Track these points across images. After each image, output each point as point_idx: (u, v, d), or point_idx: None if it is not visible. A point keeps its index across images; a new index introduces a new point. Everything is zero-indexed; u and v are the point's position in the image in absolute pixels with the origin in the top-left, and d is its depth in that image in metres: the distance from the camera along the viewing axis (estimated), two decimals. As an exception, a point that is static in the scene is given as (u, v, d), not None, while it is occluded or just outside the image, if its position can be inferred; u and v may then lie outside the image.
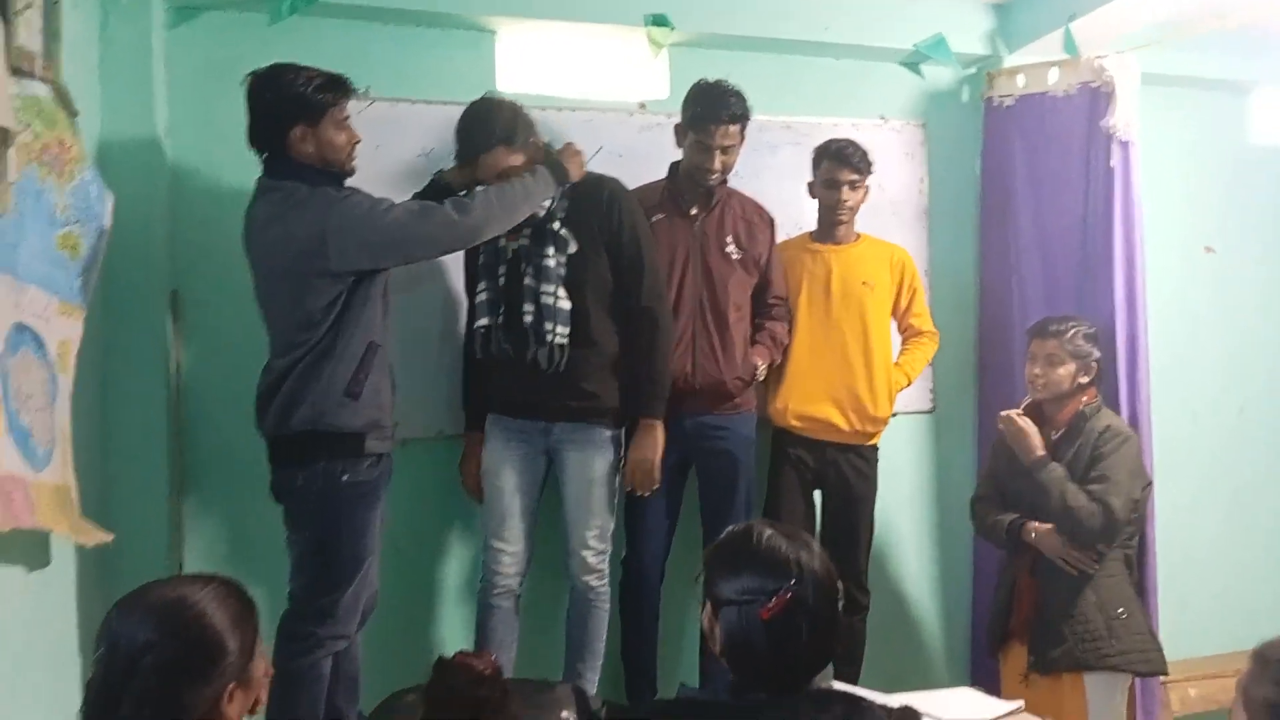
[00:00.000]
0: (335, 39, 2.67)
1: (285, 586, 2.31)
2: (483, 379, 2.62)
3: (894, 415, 2.98)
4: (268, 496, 2.33)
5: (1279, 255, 3.59)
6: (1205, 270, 3.52)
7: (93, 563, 2.18)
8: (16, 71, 1.84)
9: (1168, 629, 2.80)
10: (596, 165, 2.69)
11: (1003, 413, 2.73)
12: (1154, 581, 2.91)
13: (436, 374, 2.76)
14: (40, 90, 1.96)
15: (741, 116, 2.65)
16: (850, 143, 2.86)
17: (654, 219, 2.71)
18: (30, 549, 1.96)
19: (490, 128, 2.42)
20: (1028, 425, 2.69)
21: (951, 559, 3.28)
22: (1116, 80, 2.96)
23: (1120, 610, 2.64)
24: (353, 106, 2.32)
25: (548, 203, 2.48)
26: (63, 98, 2.05)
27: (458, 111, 2.52)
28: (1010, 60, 3.22)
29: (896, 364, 2.96)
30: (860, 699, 1.33)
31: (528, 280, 2.49)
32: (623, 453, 2.60)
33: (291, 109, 2.22)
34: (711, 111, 2.63)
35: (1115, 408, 2.87)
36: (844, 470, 2.90)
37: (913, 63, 3.23)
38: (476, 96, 2.57)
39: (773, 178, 3.02)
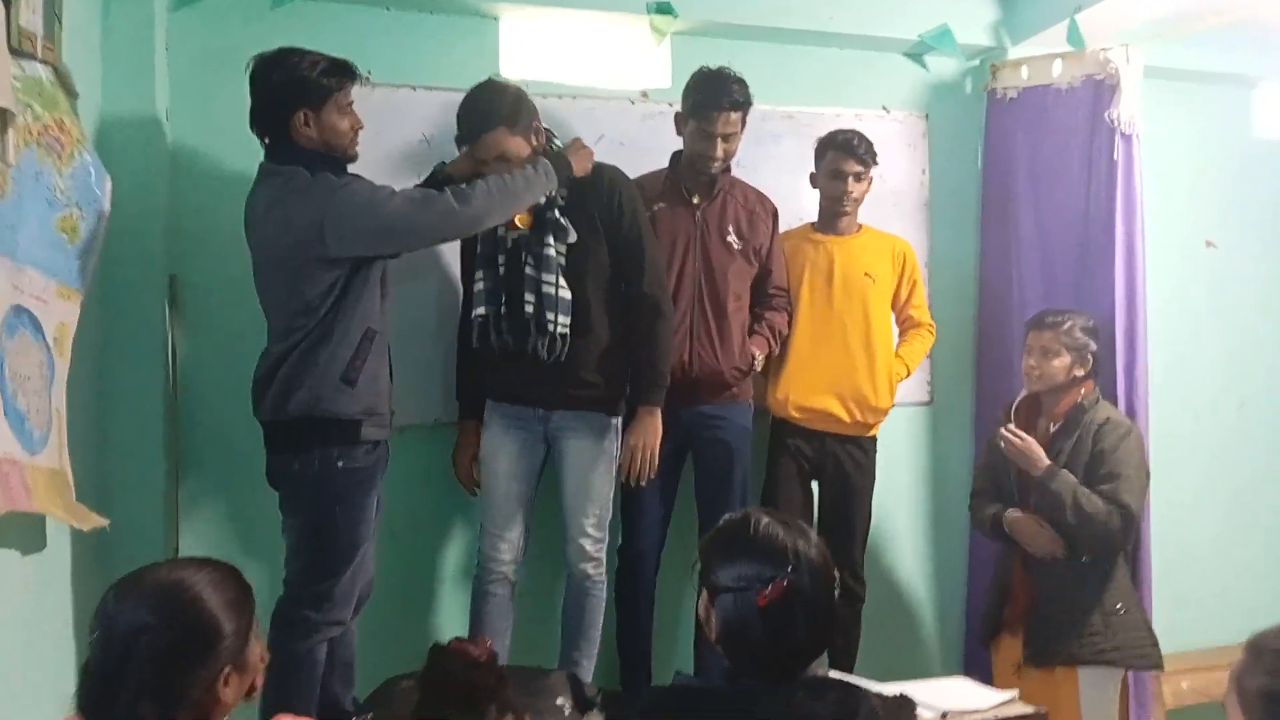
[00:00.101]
0: (337, 24, 2.66)
1: (281, 572, 2.31)
2: (477, 368, 2.61)
3: (892, 407, 2.98)
4: (264, 483, 2.33)
5: (1280, 251, 3.59)
6: (1206, 265, 3.52)
7: (89, 547, 2.18)
8: (17, 52, 1.83)
9: (1162, 623, 2.80)
10: (598, 153, 2.69)
11: (1001, 431, 2.71)
12: (1149, 576, 2.92)
13: (434, 361, 2.75)
14: (41, 71, 1.95)
15: (743, 103, 2.64)
16: (856, 133, 2.85)
17: (655, 207, 2.71)
18: (26, 533, 1.96)
19: (493, 108, 2.42)
20: (1026, 441, 2.67)
21: (947, 550, 3.29)
22: (1121, 73, 2.95)
23: (1119, 606, 2.65)
24: (355, 92, 2.31)
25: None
26: (63, 79, 2.04)
27: (459, 98, 2.51)
28: (1014, 52, 3.22)
29: (896, 355, 2.97)
30: (855, 686, 1.34)
31: (528, 270, 2.48)
32: (620, 441, 2.60)
33: (295, 93, 2.21)
34: (713, 99, 2.62)
35: (1113, 403, 2.87)
36: (842, 461, 2.90)
37: (916, 54, 3.22)
38: (478, 83, 2.56)
39: (774, 168, 3.01)
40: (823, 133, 2.93)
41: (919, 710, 1.35)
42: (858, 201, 2.89)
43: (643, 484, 2.59)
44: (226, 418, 2.52)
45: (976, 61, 3.27)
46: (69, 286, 2.05)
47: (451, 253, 2.72)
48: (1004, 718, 2.35)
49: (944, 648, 3.29)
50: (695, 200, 2.75)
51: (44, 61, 1.95)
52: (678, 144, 2.76)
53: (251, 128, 2.27)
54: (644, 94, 2.96)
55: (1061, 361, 2.71)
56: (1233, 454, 3.52)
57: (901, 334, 3.01)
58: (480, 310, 2.51)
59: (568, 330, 2.48)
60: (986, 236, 3.28)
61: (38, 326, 1.93)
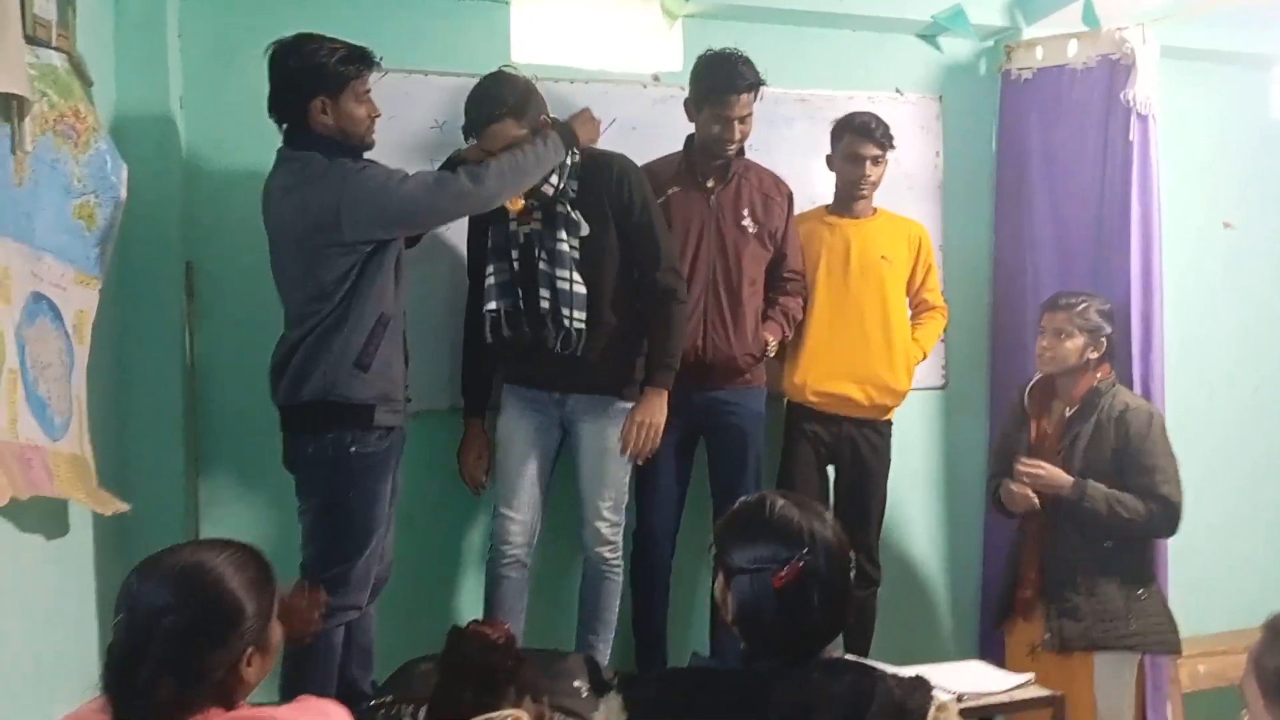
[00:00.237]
0: (349, 9, 2.65)
1: (299, 556, 2.33)
2: (485, 363, 2.62)
3: (909, 390, 2.98)
4: (282, 467, 2.35)
5: (1298, 232, 3.55)
6: (1222, 246, 3.49)
7: (110, 532, 2.20)
8: (32, 40, 1.84)
9: (1178, 606, 2.80)
10: (610, 137, 2.69)
11: (1018, 471, 2.67)
12: (1165, 559, 2.91)
13: (450, 347, 2.75)
14: (55, 59, 1.96)
15: (756, 84, 2.63)
16: (873, 116, 2.84)
17: (670, 192, 2.71)
18: (49, 518, 1.98)
19: (501, 99, 2.41)
20: (1043, 468, 2.65)
21: (962, 534, 3.28)
22: (1136, 53, 2.92)
23: (1141, 591, 2.65)
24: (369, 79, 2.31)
25: (557, 181, 2.47)
26: (78, 67, 2.05)
27: (471, 83, 2.51)
28: (1029, 33, 3.19)
29: (912, 338, 2.96)
30: (871, 667, 1.34)
31: (542, 265, 2.49)
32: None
33: (313, 80, 2.21)
34: (726, 82, 2.61)
35: (1129, 385, 2.86)
36: (859, 445, 2.90)
37: (930, 35, 3.20)
38: (490, 68, 2.56)
39: (787, 151, 3.00)
40: (835, 116, 2.91)
41: (934, 692, 1.35)
42: (875, 185, 2.88)
43: (639, 463, 2.58)
44: (245, 403, 2.53)
45: (990, 42, 3.24)
46: (87, 274, 2.07)
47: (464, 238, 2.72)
48: (1020, 700, 2.36)
49: (958, 631, 3.29)
50: (710, 184, 2.74)
51: (59, 49, 1.96)
52: (689, 127, 2.75)
53: (269, 114, 2.27)
54: (655, 78, 2.95)
55: (1074, 343, 2.70)
56: (1247, 436, 3.50)
57: (915, 317, 3.00)
58: (492, 305, 2.51)
59: (584, 325, 2.49)
60: (1001, 219, 3.26)
61: (57, 314, 1.95)
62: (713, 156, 2.71)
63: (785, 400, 2.93)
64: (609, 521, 2.61)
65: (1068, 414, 2.72)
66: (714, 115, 2.64)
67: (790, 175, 2.89)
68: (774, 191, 2.81)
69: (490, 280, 2.52)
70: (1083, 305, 2.71)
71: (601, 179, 2.53)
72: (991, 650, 2.91)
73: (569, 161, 2.50)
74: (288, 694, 2.12)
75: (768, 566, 1.34)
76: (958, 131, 3.24)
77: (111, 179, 2.14)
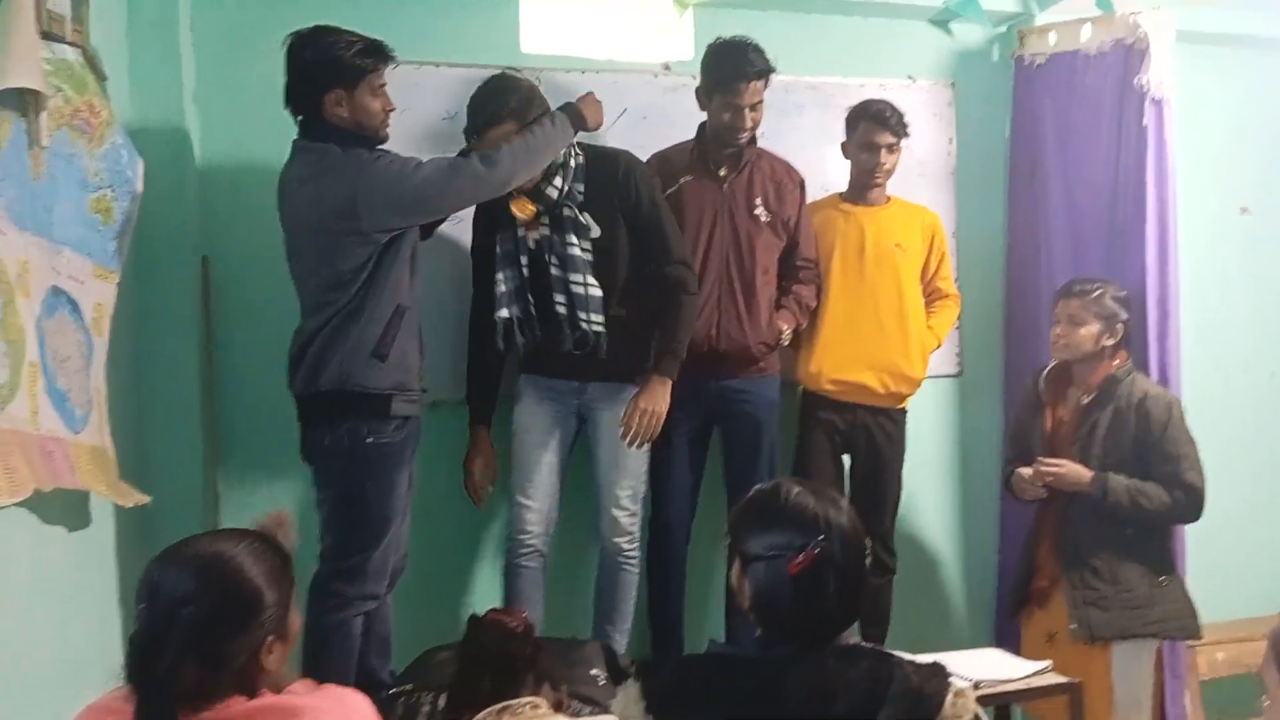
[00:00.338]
0: (361, 1, 2.66)
1: (317, 546, 2.34)
2: (491, 370, 2.62)
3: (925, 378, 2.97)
4: (299, 458, 2.36)
5: (1316, 217, 3.52)
6: (1239, 232, 3.46)
7: (131, 524, 2.22)
8: (47, 35, 1.85)
9: (1197, 593, 2.79)
10: (621, 127, 2.68)
11: (1038, 470, 2.65)
12: (1184, 545, 2.90)
13: (466, 337, 2.76)
14: (70, 54, 1.97)
15: (766, 71, 2.63)
16: (888, 104, 2.83)
17: (682, 181, 2.70)
18: (70, 509, 2.00)
19: (504, 101, 2.42)
20: (1061, 464, 2.64)
21: (977, 522, 3.28)
22: (1151, 37, 2.90)
23: (1162, 578, 2.65)
24: (380, 71, 2.31)
25: (562, 184, 2.48)
26: (92, 62, 2.06)
27: (482, 74, 2.51)
28: (1042, 18, 3.16)
29: (927, 326, 2.95)
30: (889, 654, 1.35)
31: (554, 271, 2.50)
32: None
33: (329, 72, 2.22)
34: (737, 70, 2.60)
35: (1145, 371, 2.84)
36: (874, 433, 2.90)
37: (942, 20, 3.18)
38: (501, 59, 2.57)
39: (798, 139, 2.99)
40: (847, 103, 2.90)
41: (951, 679, 1.35)
42: (889, 173, 2.87)
43: (634, 448, 2.58)
44: (262, 394, 2.55)
45: (1003, 28, 3.22)
46: (105, 267, 2.09)
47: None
48: (1036, 688, 2.36)
49: (974, 619, 3.28)
50: (722, 173, 2.73)
51: (73, 44, 1.98)
52: (701, 116, 2.74)
53: (285, 105, 2.28)
54: (666, 66, 2.94)
55: (1089, 330, 2.68)
56: (1265, 422, 3.48)
57: (928, 305, 2.99)
58: (504, 312, 2.51)
59: (602, 328, 2.50)
60: (1014, 206, 3.24)
61: (76, 307, 1.96)
62: (724, 145, 2.71)
63: (800, 389, 2.93)
64: (627, 510, 2.62)
65: (1085, 401, 2.71)
66: (725, 103, 2.64)
67: (802, 163, 2.88)
68: (786, 180, 2.80)
69: (501, 288, 2.52)
70: (1098, 292, 2.70)
71: (608, 177, 2.53)
72: (1007, 638, 2.90)
73: (573, 164, 2.50)
74: (307, 683, 2.14)
75: (783, 553, 1.34)
76: (971, 118, 3.22)
77: (127, 173, 2.15)
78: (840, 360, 2.86)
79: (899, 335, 2.87)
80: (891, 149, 2.84)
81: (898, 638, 2.83)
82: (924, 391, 3.02)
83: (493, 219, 2.55)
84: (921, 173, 3.14)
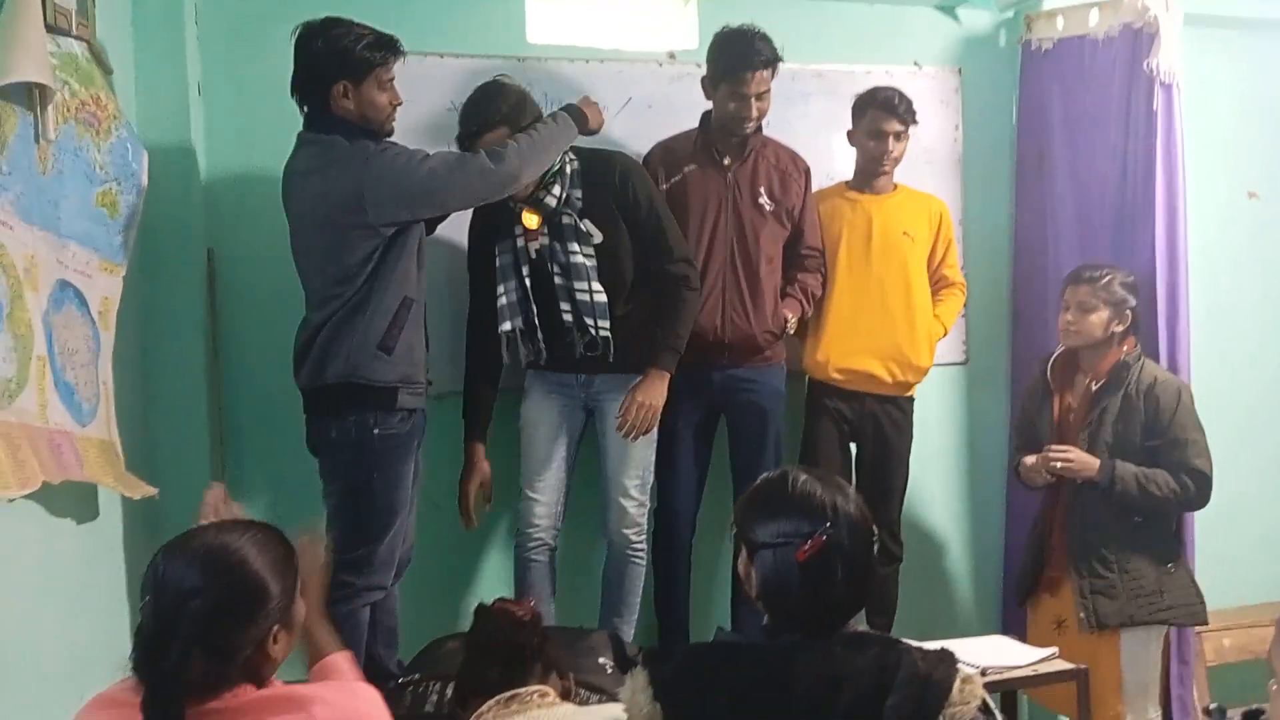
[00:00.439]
0: (364, -7, 2.65)
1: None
2: (488, 384, 2.62)
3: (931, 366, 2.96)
4: (306, 449, 2.37)
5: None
6: (1247, 217, 3.44)
7: (138, 516, 2.23)
8: (52, 29, 1.86)
9: (1203, 580, 2.78)
10: (626, 116, 2.68)
11: (1048, 456, 2.64)
12: (1192, 533, 2.89)
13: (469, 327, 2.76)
14: (76, 48, 1.97)
15: (773, 60, 2.61)
16: (896, 92, 2.81)
17: (686, 170, 2.70)
18: (79, 502, 2.01)
19: (496, 107, 2.41)
20: (1070, 452, 2.63)
21: (984, 510, 3.28)
22: (1160, 21, 2.88)
23: (1170, 565, 2.65)
24: (385, 62, 2.31)
25: (560, 192, 2.47)
26: (98, 55, 2.07)
27: (487, 65, 2.51)
28: (1049, 3, 3.15)
29: (934, 314, 2.94)
30: (896, 641, 1.35)
31: (558, 279, 2.50)
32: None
33: (337, 64, 2.22)
34: (743, 59, 2.59)
35: (1155, 358, 2.83)
36: (881, 422, 2.89)
37: (948, 7, 3.16)
38: (506, 49, 2.56)
39: (805, 127, 2.97)
40: (854, 91, 2.89)
41: (959, 666, 1.35)
42: (897, 161, 2.86)
43: (630, 440, 2.58)
44: (268, 386, 2.56)
45: (1010, 13, 3.20)
46: (111, 261, 2.09)
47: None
48: (1043, 674, 2.36)
49: (981, 607, 3.28)
50: (726, 161, 2.73)
51: (79, 38, 1.98)
52: (706, 105, 2.73)
53: (291, 94, 2.28)
54: (671, 55, 2.93)
55: (1099, 316, 2.67)
56: (1273, 407, 3.46)
57: (935, 293, 2.98)
58: (507, 325, 2.51)
59: (609, 333, 2.50)
60: (1022, 193, 3.23)
61: (83, 301, 1.97)
62: (730, 134, 2.70)
63: (807, 378, 2.93)
64: (636, 500, 2.62)
65: (1094, 388, 2.70)
66: (731, 93, 2.63)
67: (808, 151, 2.87)
68: (791, 168, 2.79)
69: (502, 300, 2.52)
70: (1107, 278, 2.69)
71: (605, 181, 2.52)
72: (1014, 626, 2.91)
73: (569, 170, 2.49)
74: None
75: (791, 541, 1.34)
76: (977, 105, 3.20)
77: (133, 166, 2.16)
78: (847, 349, 2.85)
79: (906, 324, 2.86)
80: (899, 137, 2.83)
81: (904, 626, 2.84)
82: (931, 380, 3.02)
83: (489, 231, 2.55)
84: (928, 160, 3.12)
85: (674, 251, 2.57)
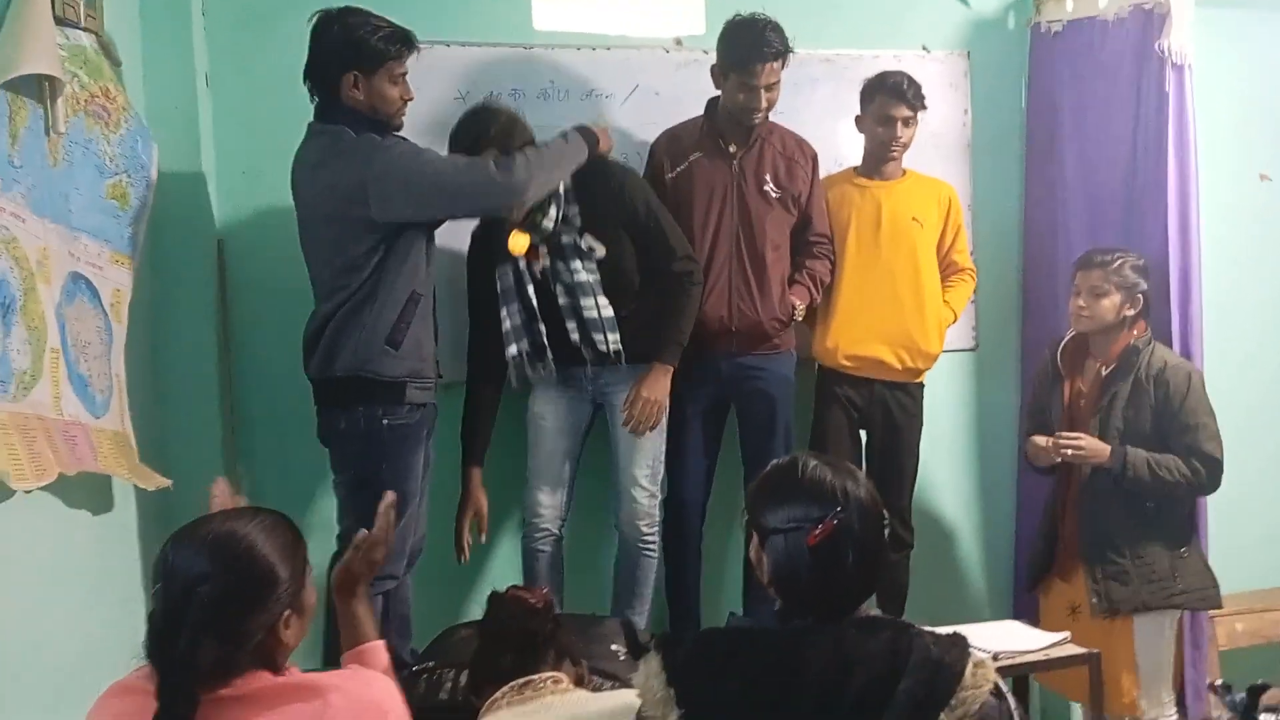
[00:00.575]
0: (370, -18, 2.65)
1: (336, 528, 2.36)
2: (487, 408, 2.61)
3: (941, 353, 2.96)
4: (317, 440, 2.38)
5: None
6: (1259, 199, 3.41)
7: (152, 507, 2.25)
8: (61, 21, 1.86)
9: (1215, 565, 2.78)
10: (633, 104, 2.67)
11: (1058, 444, 2.63)
12: (1205, 517, 2.89)
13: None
14: (84, 40, 1.98)
15: (783, 51, 2.59)
16: (905, 76, 2.79)
17: (692, 158, 2.69)
18: (94, 493, 2.03)
19: (484, 131, 2.39)
20: (1080, 439, 2.62)
21: (995, 497, 3.27)
22: (1171, 1, 2.85)
23: (1183, 550, 2.64)
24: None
25: (556, 214, 2.46)
26: (106, 48, 2.07)
27: (494, 53, 2.50)
28: (1059, -15, 3.12)
29: (944, 300, 2.93)
30: (908, 625, 1.35)
31: (562, 300, 2.49)
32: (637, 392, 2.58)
33: (349, 53, 2.22)
34: (753, 50, 2.57)
35: (1166, 342, 2.82)
36: (891, 409, 2.88)
37: (957, -10, 3.15)
38: (513, 37, 2.56)
39: (813, 113, 2.96)
40: (862, 76, 2.87)
41: (971, 650, 1.35)
42: (906, 146, 2.84)
43: (636, 436, 2.58)
44: (279, 377, 2.56)
45: (1019, -4, 3.19)
46: (122, 253, 2.10)
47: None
48: (1055, 659, 2.36)
49: (992, 593, 3.28)
50: (732, 149, 2.72)
51: (87, 30, 1.98)
52: (713, 92, 2.72)
53: (304, 81, 2.27)
54: (678, 42, 2.92)
55: (1111, 301, 2.66)
56: (1285, 392, 3.45)
57: (944, 279, 2.97)
58: (513, 349, 2.51)
59: (620, 345, 2.51)
60: (1031, 177, 3.21)
61: (95, 293, 1.98)
62: (738, 123, 2.69)
63: (816, 365, 2.92)
64: (647, 491, 2.62)
65: (1104, 373, 2.69)
66: (740, 83, 2.61)
67: (816, 137, 2.86)
68: (798, 154, 2.78)
69: (506, 324, 2.51)
70: (1118, 262, 2.68)
71: (601, 192, 2.51)
72: (1026, 612, 2.90)
73: (561, 189, 2.48)
74: (330, 661, 2.16)
75: (802, 525, 1.34)
76: (986, 89, 3.18)
77: (142, 158, 2.16)
78: (856, 335, 2.84)
79: (915, 310, 2.85)
80: (908, 122, 2.81)
81: (915, 613, 2.83)
82: (940, 366, 3.01)
83: (488, 255, 2.54)
84: (936, 145, 3.11)
85: (676, 251, 2.57)
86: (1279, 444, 3.44)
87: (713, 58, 2.68)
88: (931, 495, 3.21)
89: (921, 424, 2.95)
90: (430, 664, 2.27)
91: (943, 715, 1.26)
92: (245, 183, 2.61)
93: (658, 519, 2.67)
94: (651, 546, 2.66)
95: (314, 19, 2.24)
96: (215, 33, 2.58)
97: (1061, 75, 3.09)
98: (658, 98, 2.83)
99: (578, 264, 2.49)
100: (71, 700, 1.48)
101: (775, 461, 1.47)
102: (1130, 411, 2.63)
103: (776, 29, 2.58)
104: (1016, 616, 2.89)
